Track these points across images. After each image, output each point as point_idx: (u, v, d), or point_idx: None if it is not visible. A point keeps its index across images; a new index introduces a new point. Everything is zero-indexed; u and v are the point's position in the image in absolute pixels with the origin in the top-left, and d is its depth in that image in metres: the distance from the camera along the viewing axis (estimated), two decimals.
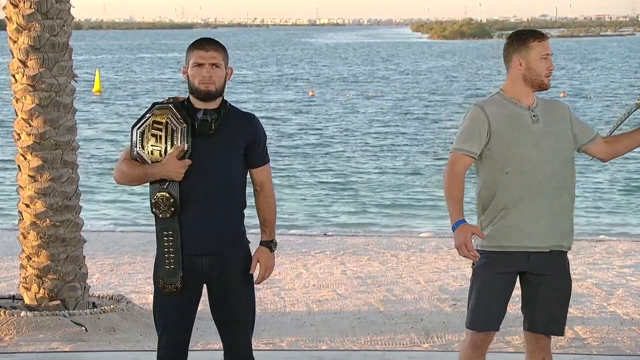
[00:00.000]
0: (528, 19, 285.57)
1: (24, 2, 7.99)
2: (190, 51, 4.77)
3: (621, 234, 15.49)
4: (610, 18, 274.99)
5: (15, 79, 8.11)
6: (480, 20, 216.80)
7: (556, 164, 4.93)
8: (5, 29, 8.13)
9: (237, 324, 4.84)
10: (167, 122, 4.71)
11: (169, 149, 4.70)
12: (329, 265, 11.35)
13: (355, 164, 23.82)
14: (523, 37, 4.99)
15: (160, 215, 4.72)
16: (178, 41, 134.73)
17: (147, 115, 4.78)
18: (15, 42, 8.08)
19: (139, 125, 4.77)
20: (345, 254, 12.23)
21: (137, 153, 4.74)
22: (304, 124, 33.01)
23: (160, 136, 4.71)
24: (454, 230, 4.87)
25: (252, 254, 4.87)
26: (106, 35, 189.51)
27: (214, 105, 4.75)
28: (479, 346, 5.01)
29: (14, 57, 8.12)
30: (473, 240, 4.91)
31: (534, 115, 4.94)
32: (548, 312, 5.00)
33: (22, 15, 8.00)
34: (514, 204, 4.89)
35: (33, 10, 7.98)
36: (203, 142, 4.71)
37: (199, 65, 4.71)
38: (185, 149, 4.68)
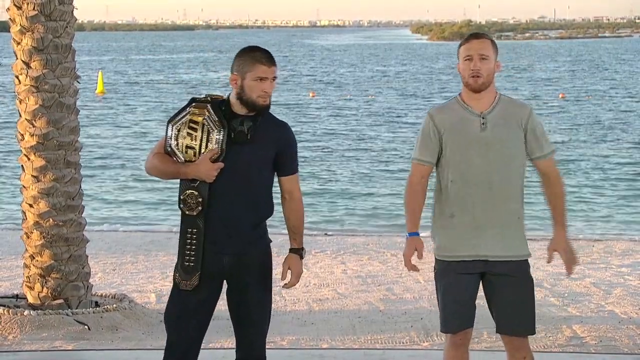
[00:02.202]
0: (527, 21, 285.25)
1: (28, 4, 8.05)
2: (249, 63, 4.78)
3: (619, 234, 15.56)
4: (608, 20, 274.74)
5: (19, 80, 8.17)
6: (479, 22, 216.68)
7: (504, 173, 4.92)
8: (9, 31, 8.19)
9: (253, 323, 4.90)
10: (203, 123, 4.75)
11: (203, 149, 4.75)
12: (330, 265, 11.40)
13: (347, 168, 23.78)
14: (460, 42, 5.07)
15: (187, 212, 4.77)
16: (181, 43, 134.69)
17: (185, 111, 4.80)
18: (18, 43, 8.14)
19: (175, 121, 4.80)
20: (346, 254, 12.28)
21: (171, 149, 4.79)
22: (303, 126, 32.99)
23: (196, 136, 4.76)
24: (406, 239, 5.05)
25: (283, 261, 4.94)
26: (109, 36, 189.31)
27: (252, 111, 4.80)
28: (460, 345, 5.05)
29: (17, 59, 8.18)
30: (430, 247, 5.04)
31: (483, 123, 4.93)
32: (513, 313, 5.00)
33: (26, 17, 8.05)
34: (460, 211, 4.93)
35: (36, 12, 8.04)
36: (237, 148, 4.75)
37: (262, 79, 4.75)
38: (219, 152, 4.73)
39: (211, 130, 4.74)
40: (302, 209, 4.95)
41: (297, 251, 4.96)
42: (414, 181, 5.03)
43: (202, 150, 4.75)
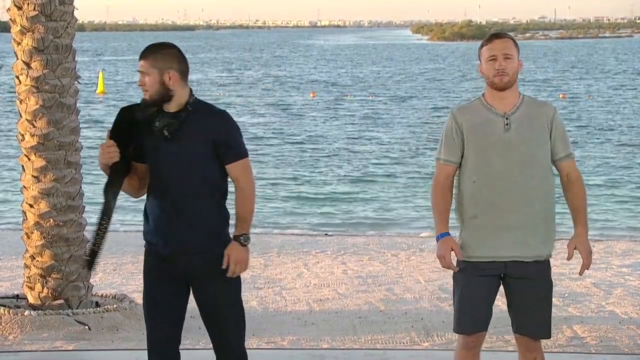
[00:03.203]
0: (527, 21, 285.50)
1: (28, 4, 8.05)
2: None
3: (620, 234, 15.57)
4: (609, 20, 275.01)
5: (19, 80, 8.17)
6: (480, 22, 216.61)
7: (528, 173, 4.89)
8: (10, 31, 8.19)
9: (223, 324, 4.89)
10: None
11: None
12: (330, 265, 11.40)
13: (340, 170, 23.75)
14: (481, 43, 5.04)
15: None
16: (180, 43, 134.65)
17: None
18: (19, 43, 8.14)
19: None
20: (346, 254, 12.28)
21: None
22: (296, 128, 32.91)
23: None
24: (437, 241, 4.98)
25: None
26: (109, 36, 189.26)
27: (172, 107, 4.82)
28: (472, 347, 5.05)
29: (17, 59, 8.18)
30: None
31: (507, 124, 4.90)
32: (531, 316, 5.00)
33: (26, 17, 8.05)
34: (483, 213, 4.90)
35: (37, 12, 8.04)
36: (164, 146, 4.79)
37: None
38: (108, 135, 4.83)
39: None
40: (248, 197, 4.84)
41: (237, 238, 4.84)
42: (440, 181, 4.99)
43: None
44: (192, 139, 4.78)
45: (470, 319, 4.99)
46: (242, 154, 4.85)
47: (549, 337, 5.11)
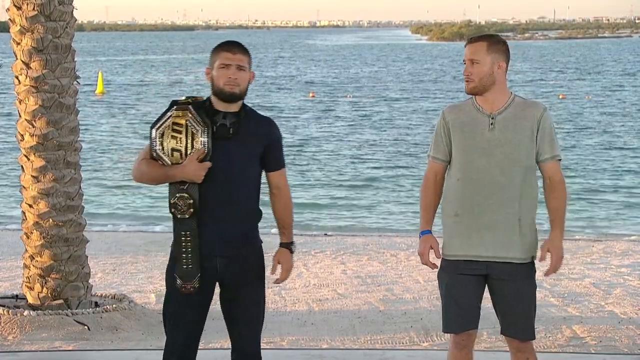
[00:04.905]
0: (526, 21, 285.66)
1: (27, 4, 8.05)
2: (216, 53, 4.80)
3: (619, 234, 15.59)
4: (608, 20, 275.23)
5: (19, 80, 8.17)
6: (479, 22, 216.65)
7: (509, 174, 4.88)
8: (9, 31, 8.19)
9: (247, 323, 4.89)
10: (187, 124, 4.73)
11: (189, 151, 4.72)
12: (329, 265, 11.41)
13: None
14: None
15: (179, 216, 4.74)
16: (180, 43, 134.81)
17: (167, 115, 4.77)
18: (18, 44, 8.14)
19: (158, 125, 4.77)
20: (346, 254, 12.29)
21: (157, 153, 4.76)
22: (284, 129, 32.87)
23: (181, 138, 4.73)
24: (419, 238, 5.01)
25: (273, 255, 4.93)
26: (108, 37, 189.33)
27: (234, 107, 4.78)
28: (464, 346, 5.03)
29: (17, 59, 8.18)
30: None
31: (492, 123, 4.90)
32: (514, 317, 4.98)
33: (26, 17, 8.05)
34: (466, 212, 4.90)
35: (36, 12, 8.04)
36: (221, 145, 4.74)
37: (226, 66, 4.74)
38: (206, 151, 4.71)
39: (195, 132, 4.73)
40: (291, 203, 4.95)
41: (287, 245, 4.94)
42: (428, 178, 5.04)
43: (188, 152, 4.73)
44: (247, 141, 4.77)
45: (457, 318, 4.98)
46: (284, 162, 4.93)
47: (533, 339, 5.06)
